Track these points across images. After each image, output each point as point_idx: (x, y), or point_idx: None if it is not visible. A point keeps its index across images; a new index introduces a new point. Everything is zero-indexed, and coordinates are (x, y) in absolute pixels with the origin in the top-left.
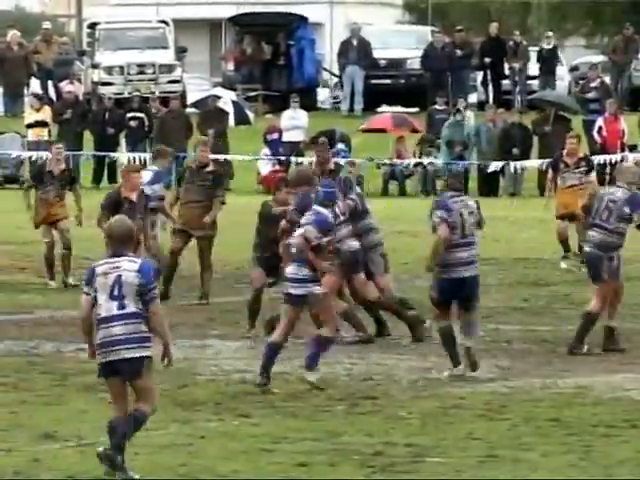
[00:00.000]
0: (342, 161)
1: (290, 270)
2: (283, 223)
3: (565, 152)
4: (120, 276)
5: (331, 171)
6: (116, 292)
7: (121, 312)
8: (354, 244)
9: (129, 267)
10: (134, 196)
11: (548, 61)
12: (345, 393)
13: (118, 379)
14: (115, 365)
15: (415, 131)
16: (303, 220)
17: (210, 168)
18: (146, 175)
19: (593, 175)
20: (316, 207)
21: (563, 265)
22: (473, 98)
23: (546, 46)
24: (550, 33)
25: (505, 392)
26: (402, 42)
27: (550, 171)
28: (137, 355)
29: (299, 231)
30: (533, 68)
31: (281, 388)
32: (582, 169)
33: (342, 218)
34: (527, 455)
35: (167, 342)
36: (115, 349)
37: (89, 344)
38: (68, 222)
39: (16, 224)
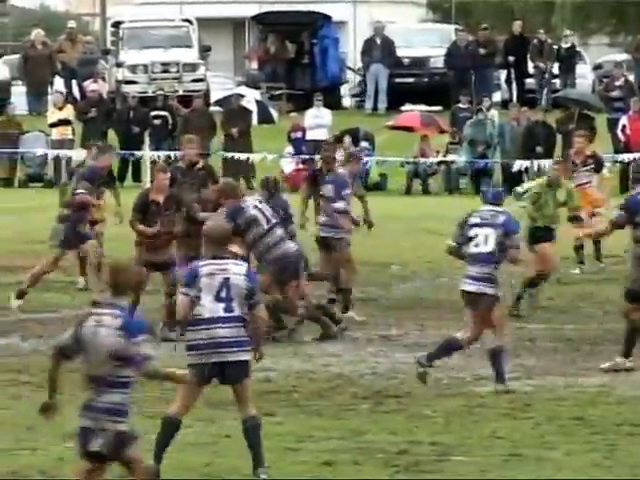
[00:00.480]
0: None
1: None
2: None
3: (573, 151)
4: (228, 279)
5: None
6: (223, 294)
7: (227, 315)
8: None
9: (237, 270)
10: (161, 198)
11: (567, 60)
12: (370, 391)
13: (206, 382)
14: (219, 367)
15: (442, 131)
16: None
17: (200, 165)
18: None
19: (604, 172)
20: None
21: (576, 271)
22: (497, 97)
23: (565, 45)
24: (569, 32)
25: (529, 391)
26: (426, 41)
27: None
28: (242, 358)
29: None
30: (557, 67)
31: (305, 387)
32: (589, 167)
33: (273, 220)
34: (551, 454)
35: (261, 344)
36: (220, 351)
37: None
38: (104, 225)
39: (42, 223)
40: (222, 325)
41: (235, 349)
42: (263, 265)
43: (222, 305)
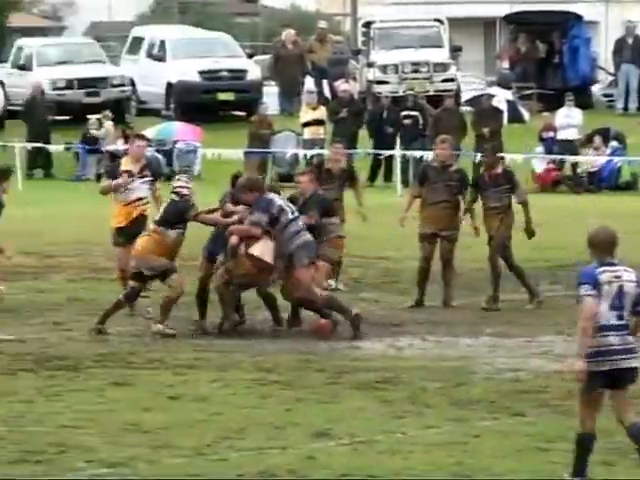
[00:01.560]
0: (616, 158)
1: None
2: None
3: None
4: (622, 286)
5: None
6: (617, 302)
7: (618, 323)
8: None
9: (628, 277)
10: None
11: None
12: None
13: (604, 390)
14: (612, 375)
15: None
16: None
17: (452, 166)
18: None
19: None
20: None
21: None
22: None
23: None
24: None
25: None
26: None
27: None
28: (633, 365)
29: None
30: None
31: (556, 387)
32: None
33: (296, 213)
34: None
35: None
36: (613, 359)
37: (583, 350)
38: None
39: None
40: (613, 333)
41: (629, 356)
42: (285, 256)
43: (615, 313)
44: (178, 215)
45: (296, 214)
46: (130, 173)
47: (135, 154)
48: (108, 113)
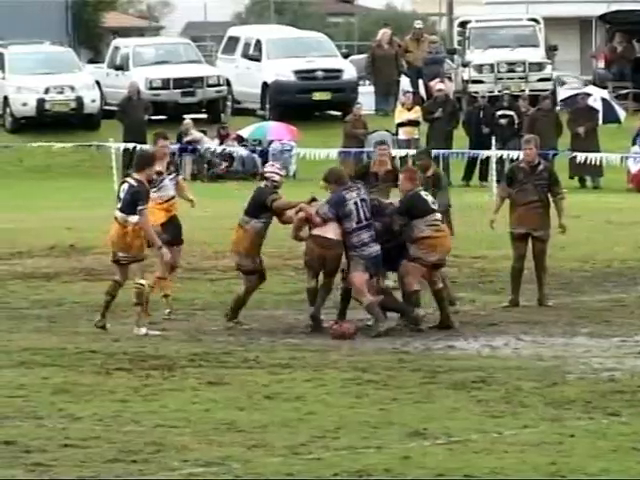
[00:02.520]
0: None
1: None
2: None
3: None
4: None
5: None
6: None
7: None
8: None
9: None
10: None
11: None
12: None
13: None
14: None
15: None
16: None
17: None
18: None
19: None
20: None
21: None
22: None
23: None
24: None
25: None
26: None
27: None
28: None
29: None
30: None
31: None
32: None
33: (364, 222)
34: None
35: None
36: None
37: None
38: None
39: None
40: None
41: None
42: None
43: None
44: (261, 203)
45: (364, 222)
46: (160, 172)
47: (159, 154)
48: (189, 120)
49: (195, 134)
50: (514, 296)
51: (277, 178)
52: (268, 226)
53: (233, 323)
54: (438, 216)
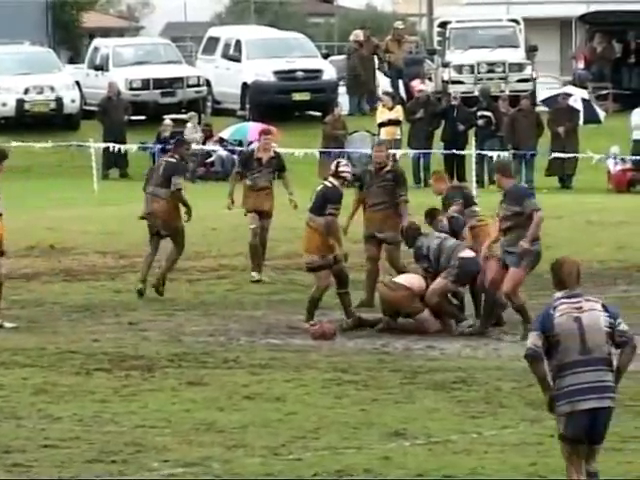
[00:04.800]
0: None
1: None
2: None
3: None
4: None
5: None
6: None
7: None
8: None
9: None
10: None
11: None
12: None
13: None
14: None
15: None
16: None
17: (388, 168)
18: None
19: None
20: None
21: None
22: None
23: None
24: None
25: None
26: None
27: None
28: None
29: None
30: None
31: (630, 387)
32: None
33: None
34: None
35: None
36: None
37: None
38: (271, 221)
39: None
40: None
41: None
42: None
43: None
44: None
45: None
46: None
47: None
48: (169, 121)
49: (190, 135)
50: (368, 297)
51: (349, 177)
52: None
53: (309, 325)
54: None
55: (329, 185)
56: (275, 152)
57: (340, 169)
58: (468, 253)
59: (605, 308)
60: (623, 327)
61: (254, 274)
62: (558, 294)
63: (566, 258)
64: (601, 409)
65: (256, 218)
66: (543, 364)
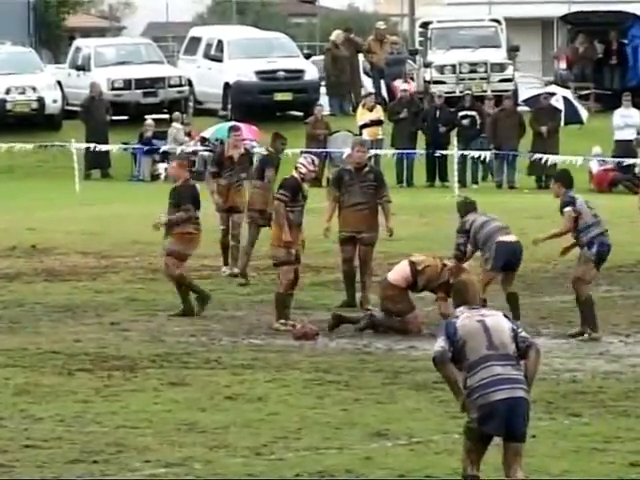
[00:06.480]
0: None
1: None
2: None
3: None
4: None
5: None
6: None
7: None
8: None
9: None
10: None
11: None
12: None
13: None
14: None
15: None
16: None
17: (367, 168)
18: None
19: None
20: None
21: None
22: None
23: None
24: None
25: None
26: None
27: None
28: None
29: None
30: None
31: (612, 387)
32: None
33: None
34: None
35: None
36: None
37: None
38: (242, 216)
39: None
40: None
41: None
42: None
43: None
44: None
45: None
46: None
47: None
48: (151, 121)
49: (179, 138)
50: (348, 298)
51: (304, 170)
52: (300, 213)
53: (279, 323)
54: None
55: (289, 176)
56: (245, 149)
57: (298, 162)
58: (507, 238)
59: (507, 317)
60: (525, 334)
61: (225, 269)
62: (460, 309)
63: (468, 279)
64: (515, 399)
65: (224, 218)
66: (451, 366)
